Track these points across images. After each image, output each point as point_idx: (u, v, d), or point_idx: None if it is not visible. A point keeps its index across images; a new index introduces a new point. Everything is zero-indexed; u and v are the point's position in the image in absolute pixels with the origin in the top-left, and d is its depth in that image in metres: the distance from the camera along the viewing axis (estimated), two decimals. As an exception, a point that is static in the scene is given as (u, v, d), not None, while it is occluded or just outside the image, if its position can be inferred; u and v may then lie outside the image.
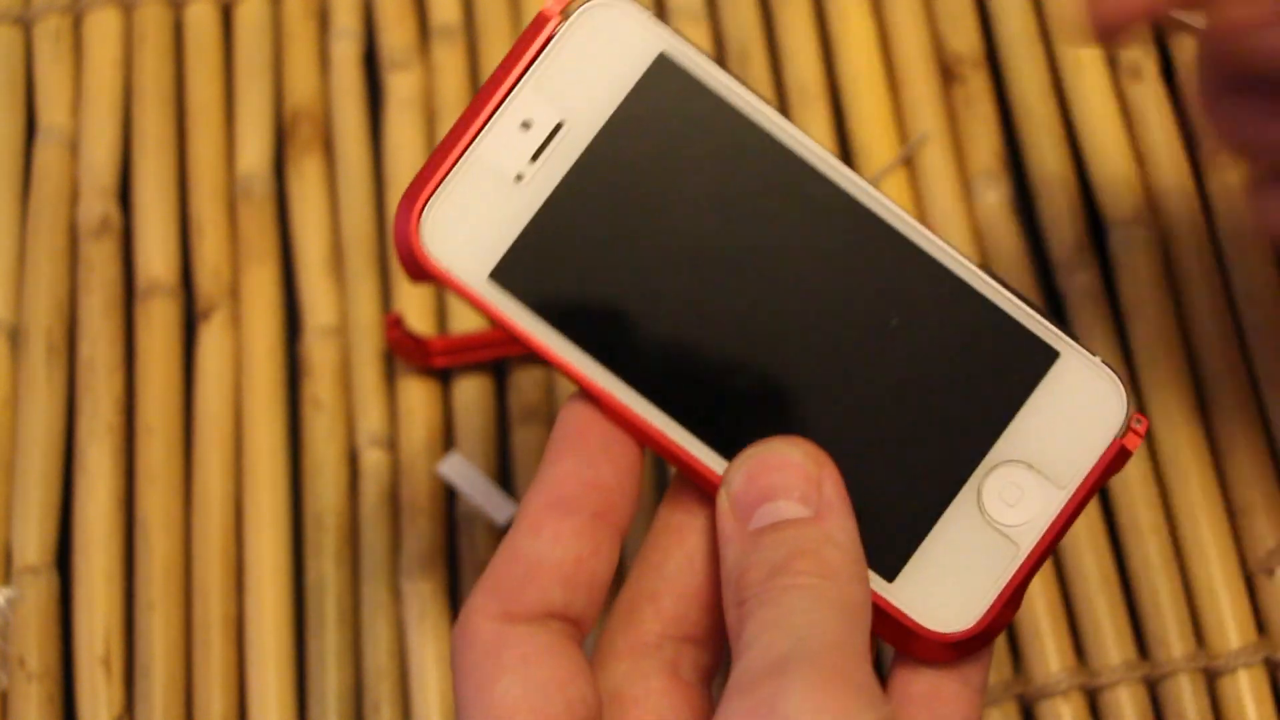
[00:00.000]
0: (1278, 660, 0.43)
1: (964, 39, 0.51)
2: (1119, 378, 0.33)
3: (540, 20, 0.32)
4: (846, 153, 0.50)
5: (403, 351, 0.47)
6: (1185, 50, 0.50)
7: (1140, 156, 0.49)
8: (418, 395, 0.47)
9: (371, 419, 0.47)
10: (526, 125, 0.32)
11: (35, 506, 0.46)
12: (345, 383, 0.48)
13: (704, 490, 0.32)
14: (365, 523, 0.46)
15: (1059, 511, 0.32)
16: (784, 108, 0.50)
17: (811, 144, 0.32)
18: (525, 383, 0.47)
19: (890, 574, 0.32)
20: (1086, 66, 0.50)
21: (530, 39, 0.32)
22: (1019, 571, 0.32)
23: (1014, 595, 0.32)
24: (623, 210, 0.32)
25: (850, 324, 0.33)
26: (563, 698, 0.30)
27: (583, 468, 0.31)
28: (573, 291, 0.32)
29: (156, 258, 0.49)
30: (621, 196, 0.32)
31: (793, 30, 0.51)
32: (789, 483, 0.31)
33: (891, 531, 0.32)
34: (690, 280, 0.32)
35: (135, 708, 0.44)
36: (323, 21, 0.53)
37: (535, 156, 0.32)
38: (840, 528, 0.31)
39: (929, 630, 0.32)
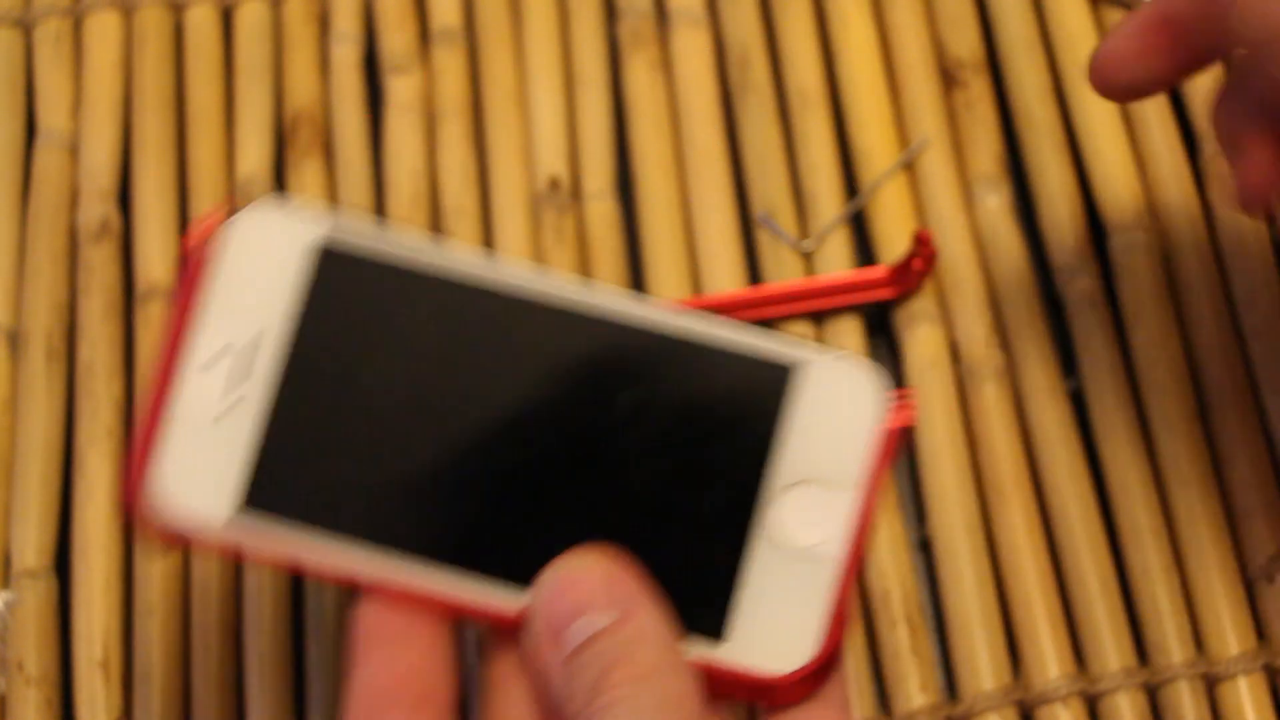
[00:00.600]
0: (1278, 667, 0.43)
1: (965, 44, 0.51)
2: (865, 365, 0.32)
3: (186, 259, 0.32)
4: (847, 157, 0.50)
5: None
6: (1186, 55, 0.50)
7: (1141, 161, 0.49)
8: (417, 399, 0.47)
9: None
10: (210, 363, 0.31)
11: (34, 510, 0.46)
12: (345, 386, 0.48)
13: (518, 635, 0.32)
14: (364, 527, 0.46)
15: (854, 514, 0.32)
16: (784, 112, 0.50)
17: (496, 267, 0.32)
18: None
19: (716, 636, 0.32)
20: (1087, 71, 0.50)
21: (186, 281, 0.32)
22: (839, 585, 0.32)
23: (842, 609, 0.32)
24: (336, 405, 0.32)
25: (589, 421, 0.32)
26: None
27: (389, 661, 0.31)
28: (317, 500, 0.31)
29: (156, 261, 0.49)
30: (330, 392, 0.32)
31: (793, 34, 0.51)
32: (587, 594, 0.30)
33: (703, 596, 0.32)
34: (426, 442, 0.32)
35: (134, 712, 0.44)
36: (323, 25, 0.53)
37: (231, 388, 0.31)
38: (647, 620, 0.30)
39: (773, 676, 0.31)
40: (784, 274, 0.48)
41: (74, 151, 0.51)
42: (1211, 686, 0.43)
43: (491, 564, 0.32)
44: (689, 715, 0.29)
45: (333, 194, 0.50)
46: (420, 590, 0.31)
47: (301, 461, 0.32)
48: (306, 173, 0.51)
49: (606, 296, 0.33)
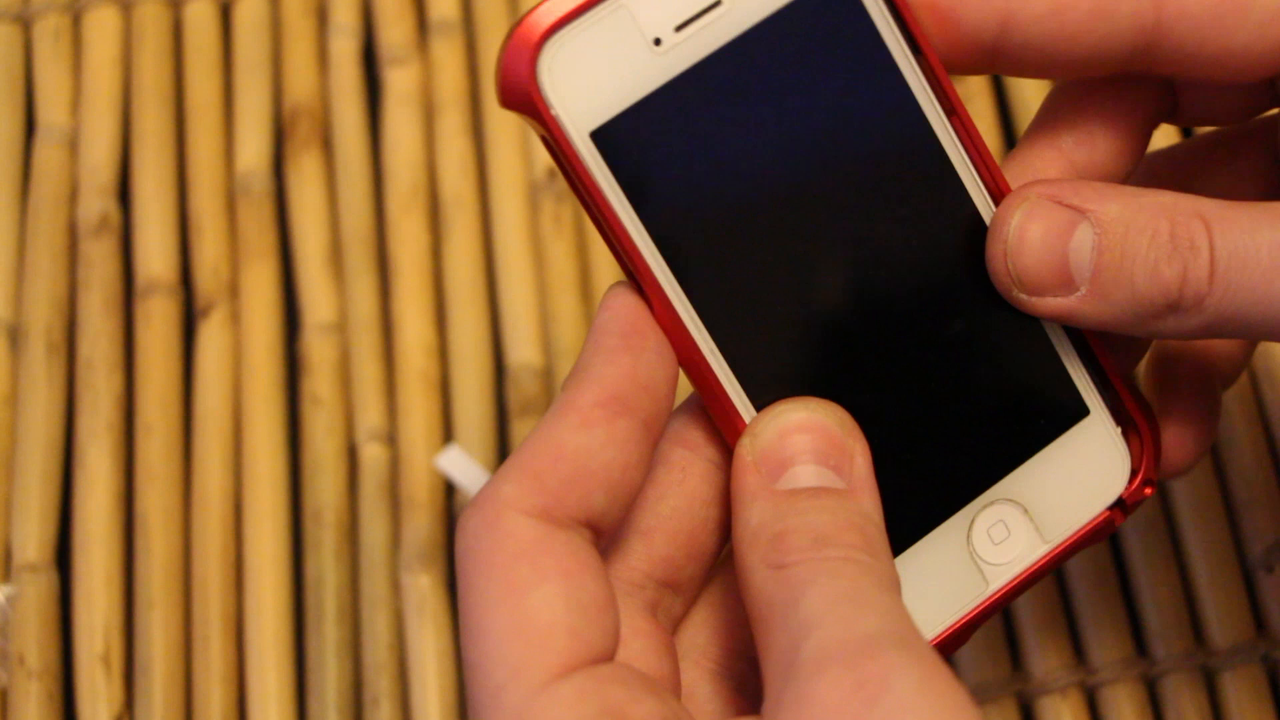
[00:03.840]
0: (1275, 657, 0.43)
1: (963, 33, 0.51)
2: (1130, 453, 0.33)
3: None
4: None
5: None
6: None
7: (1141, 151, 0.49)
8: (416, 390, 0.47)
9: (370, 414, 0.47)
10: None
11: (35, 504, 0.46)
12: (344, 379, 0.48)
13: (720, 429, 0.30)
14: (364, 518, 0.46)
15: (1036, 562, 0.32)
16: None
17: (945, 120, 0.31)
18: (523, 376, 0.47)
19: None
20: None
21: None
22: (980, 608, 0.32)
23: (966, 629, 0.32)
24: (745, 114, 0.30)
25: (919, 314, 0.31)
26: (600, 625, 0.28)
27: (639, 368, 0.29)
28: (667, 180, 0.29)
29: (156, 256, 0.50)
30: (749, 100, 0.30)
31: (791, 25, 0.51)
32: (822, 448, 0.29)
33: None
34: (784, 208, 0.30)
35: (135, 705, 0.44)
36: (321, 18, 0.53)
37: (682, 26, 0.29)
38: (874, 508, 0.29)
39: None
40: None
41: (73, 147, 0.51)
42: (1209, 677, 0.43)
43: (747, 359, 0.30)
44: (904, 610, 0.28)
45: (332, 186, 0.51)
46: (683, 325, 0.30)
47: (669, 140, 0.29)
48: (306, 165, 0.51)
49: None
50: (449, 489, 0.46)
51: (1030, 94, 0.49)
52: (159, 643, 0.45)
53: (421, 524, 0.46)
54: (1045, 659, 0.43)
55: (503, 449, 0.47)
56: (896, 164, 0.31)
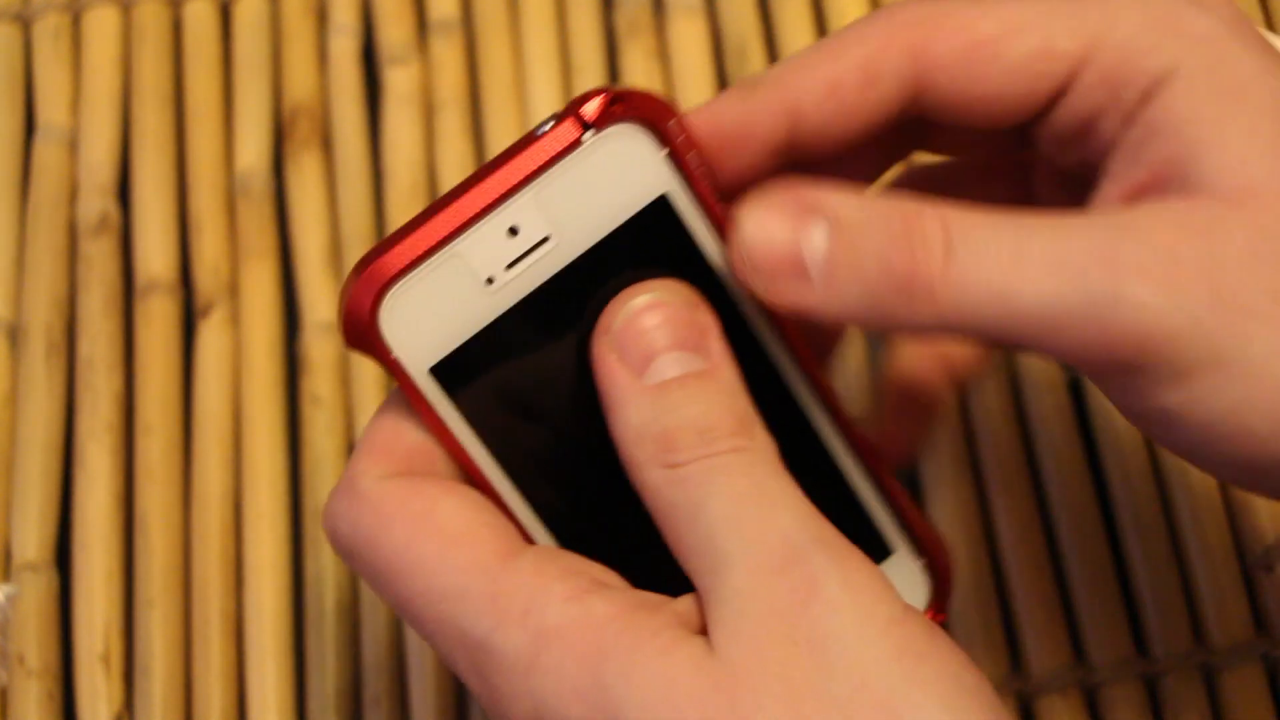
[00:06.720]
0: (1275, 656, 0.43)
1: (963, 32, 0.51)
2: (928, 587, 0.34)
3: (560, 130, 0.31)
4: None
5: None
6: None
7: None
8: (416, 392, 0.47)
9: (370, 414, 0.47)
10: (514, 231, 0.31)
11: (35, 504, 0.46)
12: (344, 378, 0.48)
13: None
14: (365, 519, 0.46)
15: None
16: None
17: (773, 330, 0.32)
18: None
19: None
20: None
21: (547, 146, 0.31)
22: None
23: None
24: (575, 340, 0.32)
25: None
26: (506, 524, 0.31)
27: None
28: (504, 408, 0.32)
29: (156, 255, 0.50)
30: (578, 326, 0.32)
31: (791, 26, 0.51)
32: (678, 331, 0.30)
33: None
34: (597, 433, 0.31)
35: (135, 705, 0.44)
36: (321, 17, 0.53)
37: (512, 264, 0.31)
38: (735, 377, 0.30)
39: None
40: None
41: (73, 146, 0.51)
42: (1209, 676, 0.43)
43: (603, 554, 0.32)
44: (803, 497, 0.29)
45: (332, 186, 0.51)
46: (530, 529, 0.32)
47: (505, 370, 0.31)
48: (305, 165, 0.51)
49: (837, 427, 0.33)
50: (449, 488, 0.46)
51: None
52: (159, 643, 0.45)
53: (421, 523, 0.46)
54: (1045, 659, 0.43)
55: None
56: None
